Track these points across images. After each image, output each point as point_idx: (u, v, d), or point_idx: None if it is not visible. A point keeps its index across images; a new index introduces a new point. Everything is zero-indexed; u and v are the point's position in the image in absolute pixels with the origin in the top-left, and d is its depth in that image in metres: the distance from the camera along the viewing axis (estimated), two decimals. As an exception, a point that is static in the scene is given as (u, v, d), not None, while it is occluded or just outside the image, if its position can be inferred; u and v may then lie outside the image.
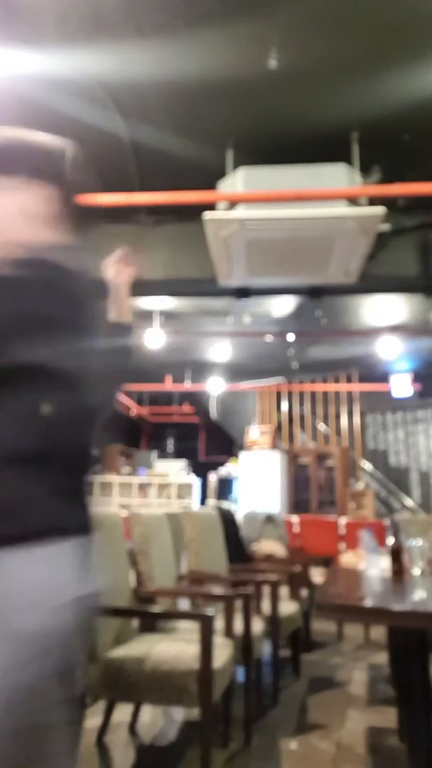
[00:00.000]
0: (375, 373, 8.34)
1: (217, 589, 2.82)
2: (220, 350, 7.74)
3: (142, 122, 3.43)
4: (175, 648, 2.18)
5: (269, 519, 5.07)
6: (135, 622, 2.50)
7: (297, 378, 9.12)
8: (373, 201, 3.48)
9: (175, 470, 9.36)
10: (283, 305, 6.09)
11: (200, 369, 8.53)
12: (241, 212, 3.42)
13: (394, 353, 6.98)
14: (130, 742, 2.56)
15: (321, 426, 9.21)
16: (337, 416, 9.09)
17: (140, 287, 4.85)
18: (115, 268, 1.69)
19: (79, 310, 1.22)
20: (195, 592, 2.88)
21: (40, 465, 1.05)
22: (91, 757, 2.35)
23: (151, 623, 2.55)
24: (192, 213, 3.64)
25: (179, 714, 2.89)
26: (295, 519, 6.67)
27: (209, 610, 2.13)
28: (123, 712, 2.69)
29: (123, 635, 2.33)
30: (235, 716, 2.55)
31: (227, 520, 3.89)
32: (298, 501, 8.54)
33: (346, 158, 3.49)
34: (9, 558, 0.97)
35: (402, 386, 7.96)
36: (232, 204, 3.47)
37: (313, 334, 7.05)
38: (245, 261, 3.77)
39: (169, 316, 6.47)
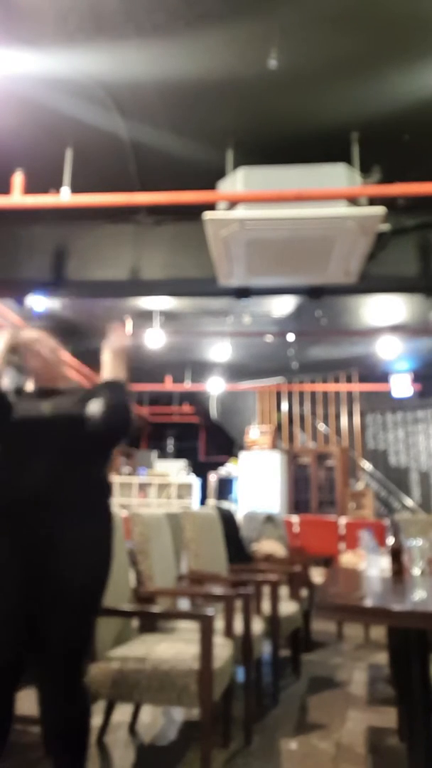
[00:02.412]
0: (375, 373, 8.34)
1: (217, 589, 2.82)
2: (220, 350, 7.74)
3: (142, 122, 3.43)
4: (175, 648, 2.18)
5: (269, 519, 5.07)
6: (135, 622, 2.50)
7: (297, 378, 9.12)
8: (373, 201, 3.48)
9: (175, 470, 9.36)
10: (283, 305, 6.09)
11: (200, 369, 8.52)
12: (241, 212, 3.42)
13: (394, 353, 6.98)
14: (130, 742, 2.56)
15: (321, 426, 9.20)
16: (337, 416, 9.09)
17: (140, 287, 4.83)
18: (111, 340, 2.00)
19: None
20: (195, 592, 2.88)
21: None
22: (91, 757, 2.35)
23: (151, 623, 2.55)
24: (192, 213, 3.63)
25: (179, 714, 2.89)
26: (295, 519, 6.67)
27: (209, 610, 2.13)
28: (123, 712, 2.69)
29: (123, 635, 2.33)
30: (235, 716, 2.55)
31: (227, 520, 3.89)
32: (298, 501, 8.54)
33: (346, 158, 3.49)
34: None
35: (402, 386, 7.96)
36: (232, 204, 3.46)
37: (313, 334, 7.04)
38: (245, 261, 3.77)
39: (169, 316, 6.47)
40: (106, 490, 1.93)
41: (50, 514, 1.77)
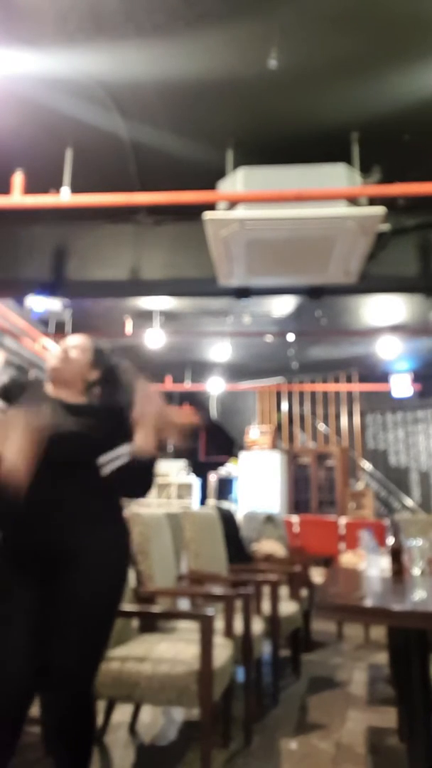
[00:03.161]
0: (375, 373, 8.34)
1: (217, 589, 2.82)
2: (220, 350, 7.75)
3: (142, 122, 3.43)
4: (175, 648, 2.18)
5: (269, 519, 5.07)
6: (135, 622, 2.50)
7: (297, 378, 9.12)
8: (373, 201, 3.48)
9: (175, 470, 9.36)
10: (283, 305, 6.09)
11: (200, 369, 8.52)
12: (241, 212, 3.42)
13: (394, 353, 6.98)
14: (130, 742, 2.56)
15: (321, 426, 9.20)
16: (337, 416, 9.09)
17: (140, 287, 4.82)
18: (142, 402, 1.79)
19: None
20: (195, 592, 2.88)
21: None
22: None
23: (151, 623, 2.55)
24: (192, 213, 3.63)
25: (179, 714, 2.89)
26: (295, 519, 6.67)
27: (209, 610, 2.13)
28: (123, 712, 2.69)
29: (123, 635, 2.33)
30: (235, 716, 2.55)
31: (227, 520, 3.89)
32: (298, 501, 8.54)
33: (346, 158, 3.49)
34: None
35: (402, 386, 7.96)
36: (232, 204, 3.46)
37: (313, 334, 7.05)
38: (245, 261, 3.77)
39: (169, 316, 6.47)
40: (116, 502, 1.90)
41: (63, 531, 1.74)
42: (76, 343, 1.99)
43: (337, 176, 3.38)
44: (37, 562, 1.71)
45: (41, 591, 1.69)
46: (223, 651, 2.26)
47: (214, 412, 9.80)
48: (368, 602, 1.72)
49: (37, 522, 1.74)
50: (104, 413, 1.90)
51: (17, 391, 1.92)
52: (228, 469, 9.21)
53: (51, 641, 1.66)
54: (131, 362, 2.06)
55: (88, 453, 1.78)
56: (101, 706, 2.56)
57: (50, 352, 1.99)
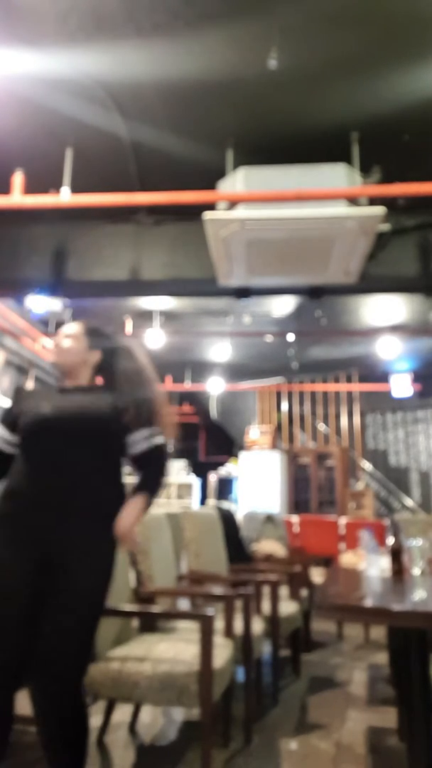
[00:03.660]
0: (375, 373, 8.34)
1: (217, 589, 2.82)
2: (220, 350, 7.74)
3: (142, 122, 3.43)
4: (175, 648, 2.18)
5: (269, 519, 5.07)
6: (135, 622, 2.50)
7: (297, 378, 9.12)
8: (373, 201, 3.48)
9: (175, 470, 9.36)
10: (283, 305, 6.09)
11: (200, 369, 8.52)
12: (241, 212, 3.42)
13: (394, 353, 6.98)
14: (130, 742, 2.56)
15: (321, 426, 9.20)
16: (337, 416, 9.09)
17: (140, 287, 4.81)
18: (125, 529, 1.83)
19: None
20: (195, 592, 2.88)
21: None
22: (91, 757, 2.35)
23: (151, 623, 2.55)
24: (192, 213, 3.63)
25: (179, 714, 2.89)
26: (295, 519, 6.67)
27: (209, 610, 2.13)
28: (123, 712, 2.69)
29: (123, 635, 2.33)
30: (235, 716, 2.55)
31: (227, 520, 3.89)
32: (298, 501, 8.54)
33: (346, 158, 3.49)
34: None
35: (402, 386, 7.96)
36: (232, 204, 3.46)
37: (313, 334, 7.04)
38: (245, 261, 3.77)
39: (169, 316, 6.47)
40: (119, 492, 1.91)
41: (65, 516, 1.76)
42: (68, 332, 2.01)
43: (337, 176, 3.38)
44: (35, 551, 1.72)
45: (37, 581, 1.70)
46: (223, 651, 2.26)
47: (214, 412, 9.80)
48: (368, 602, 1.72)
49: (39, 507, 1.75)
50: (111, 393, 1.94)
51: (19, 414, 1.92)
52: (228, 469, 9.21)
53: (42, 633, 1.67)
54: (133, 341, 2.10)
55: (95, 427, 1.83)
56: (101, 706, 2.57)
57: (47, 348, 2.03)
